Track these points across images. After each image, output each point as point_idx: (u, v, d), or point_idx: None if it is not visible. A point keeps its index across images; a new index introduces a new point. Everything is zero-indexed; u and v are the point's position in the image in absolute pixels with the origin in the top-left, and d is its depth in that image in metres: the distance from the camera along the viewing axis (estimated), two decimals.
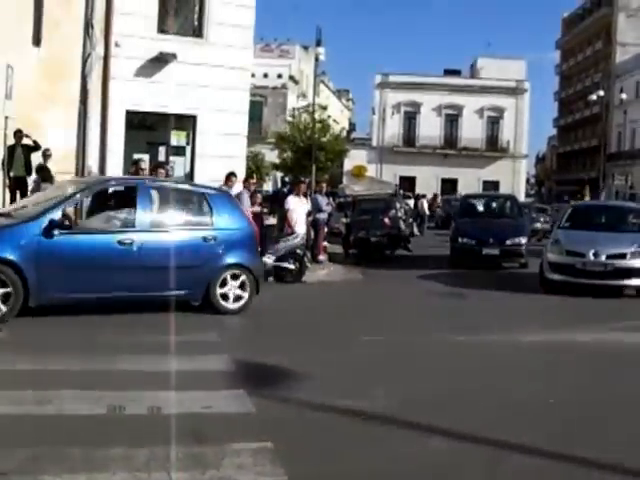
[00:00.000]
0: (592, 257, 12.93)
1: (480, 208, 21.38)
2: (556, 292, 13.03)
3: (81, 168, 13.24)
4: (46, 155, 14.58)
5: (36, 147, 14.65)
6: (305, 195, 15.73)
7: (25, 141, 14.69)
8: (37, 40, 15.76)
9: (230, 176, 14.22)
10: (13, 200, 14.74)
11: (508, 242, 17.58)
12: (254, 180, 17.03)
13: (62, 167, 14.55)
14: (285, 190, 26.90)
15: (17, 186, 14.64)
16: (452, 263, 17.84)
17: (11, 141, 14.34)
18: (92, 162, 14.61)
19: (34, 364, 6.47)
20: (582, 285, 12.85)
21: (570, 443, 5.13)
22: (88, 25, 13.31)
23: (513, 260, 17.84)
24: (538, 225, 30.00)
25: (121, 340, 7.83)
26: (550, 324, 10.25)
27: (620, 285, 13.03)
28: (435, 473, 4.59)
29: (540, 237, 27.58)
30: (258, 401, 5.66)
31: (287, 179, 41.34)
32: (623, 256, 12.98)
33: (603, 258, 12.91)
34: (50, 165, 14.59)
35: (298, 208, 14.22)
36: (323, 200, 17.75)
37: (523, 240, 17.78)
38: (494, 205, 21.76)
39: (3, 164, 13.74)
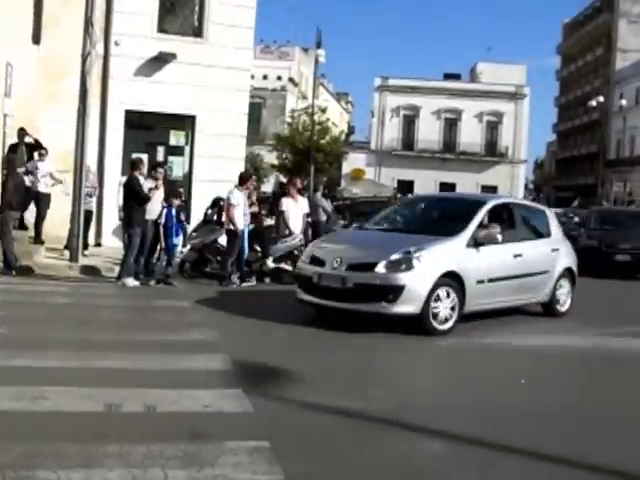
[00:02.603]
0: (332, 267, 9.11)
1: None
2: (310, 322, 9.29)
3: (79, 167, 13.17)
4: (41, 154, 14.55)
5: (36, 146, 14.63)
6: (301, 194, 15.41)
7: (27, 140, 14.68)
8: (37, 38, 15.77)
9: (250, 177, 14.15)
10: None
11: None
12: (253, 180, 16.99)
13: (60, 165, 14.54)
14: (277, 191, 26.82)
15: None
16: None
17: (10, 139, 14.32)
18: (90, 161, 14.56)
19: (31, 360, 6.44)
20: (322, 308, 9.37)
21: (564, 447, 5.11)
22: (88, 24, 13.25)
23: None
24: None
25: (119, 338, 7.80)
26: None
27: (358, 311, 8.92)
28: (431, 474, 4.57)
29: None
30: (256, 400, 5.63)
31: (284, 180, 41.38)
32: (370, 267, 8.84)
33: (343, 269, 9.03)
34: (46, 163, 14.52)
35: (292, 209, 13.98)
36: (326, 202, 17.53)
37: None
38: None
39: (4, 162, 13.72)
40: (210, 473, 4.18)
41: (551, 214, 11.88)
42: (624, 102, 54.72)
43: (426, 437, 5.18)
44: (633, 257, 18.08)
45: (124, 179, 13.16)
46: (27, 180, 14.25)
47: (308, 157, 35.35)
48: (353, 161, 55.09)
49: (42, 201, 14.42)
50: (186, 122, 17.51)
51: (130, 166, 12.68)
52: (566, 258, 11.31)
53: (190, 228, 14.18)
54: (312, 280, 9.31)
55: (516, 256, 10.14)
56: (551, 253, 10.99)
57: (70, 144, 13.49)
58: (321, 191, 18.74)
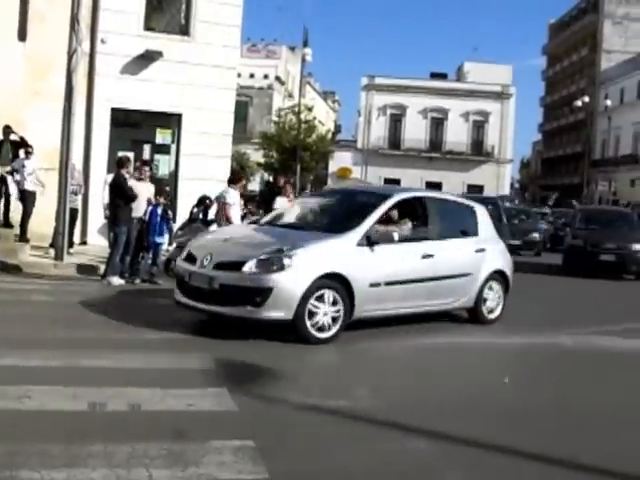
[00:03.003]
0: (202, 265, 8.27)
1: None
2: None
3: (65, 165, 13.11)
4: (28, 152, 14.48)
5: (22, 144, 14.55)
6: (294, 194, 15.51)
7: (13, 137, 14.60)
8: (22, 35, 15.66)
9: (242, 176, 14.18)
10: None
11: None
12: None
13: (46, 163, 14.46)
14: (264, 190, 26.74)
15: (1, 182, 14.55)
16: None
17: None
18: (76, 159, 14.49)
19: (16, 359, 6.41)
20: (196, 310, 8.47)
21: (552, 444, 5.15)
22: (74, 21, 13.17)
23: None
24: (536, 235, 25.42)
25: (103, 337, 7.78)
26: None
27: (224, 315, 8.12)
28: (417, 473, 4.59)
29: (539, 250, 24.76)
30: (240, 399, 5.64)
31: (270, 178, 41.39)
32: (239, 266, 7.94)
33: (211, 267, 8.17)
34: (32, 161, 14.46)
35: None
36: None
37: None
38: None
39: None
40: (194, 472, 4.19)
41: (482, 211, 10.68)
42: (609, 102, 55.08)
43: (412, 436, 5.20)
44: (618, 257, 17.97)
45: (110, 177, 13.11)
46: (14, 178, 14.22)
47: (294, 156, 35.36)
48: (339, 160, 55.14)
49: (28, 199, 14.35)
50: (172, 120, 17.45)
51: (117, 164, 12.63)
52: (496, 260, 10.31)
53: (176, 227, 14.16)
54: (184, 279, 8.43)
55: (426, 257, 9.12)
56: (475, 254, 9.94)
57: (55, 142, 13.43)
58: (309, 189, 18.78)
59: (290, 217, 10.06)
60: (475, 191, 52.62)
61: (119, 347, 7.27)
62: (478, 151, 58.27)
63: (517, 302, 12.83)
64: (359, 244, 8.48)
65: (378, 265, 8.56)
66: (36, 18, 15.62)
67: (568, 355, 8.60)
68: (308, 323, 7.92)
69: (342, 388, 6.36)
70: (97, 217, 15.21)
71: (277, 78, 62.57)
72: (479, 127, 58.73)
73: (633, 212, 22.65)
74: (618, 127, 57.20)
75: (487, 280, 10.04)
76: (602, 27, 66.69)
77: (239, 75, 22.55)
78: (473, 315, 10.10)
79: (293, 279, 7.85)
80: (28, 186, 14.35)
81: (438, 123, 58.71)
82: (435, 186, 53.69)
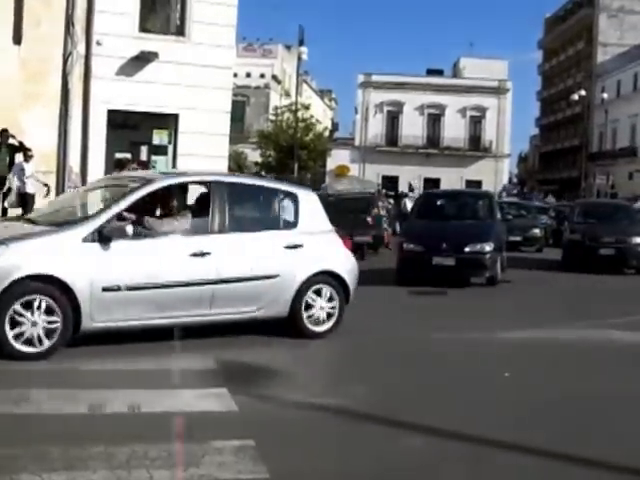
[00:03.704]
0: None
1: (443, 208, 16.61)
2: None
3: (62, 167, 13.12)
4: (27, 156, 14.50)
5: (21, 148, 14.56)
6: None
7: (11, 141, 14.61)
8: (18, 38, 15.64)
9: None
10: None
11: (467, 249, 13.68)
12: None
13: (43, 166, 14.46)
14: None
15: None
16: (400, 274, 14.21)
17: None
18: (73, 161, 14.50)
19: (13, 363, 6.40)
20: None
21: (552, 441, 5.12)
22: (69, 23, 13.21)
23: (474, 273, 14.05)
24: (536, 231, 24.33)
25: (102, 338, 7.76)
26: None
27: None
28: (417, 471, 4.58)
29: (540, 246, 23.86)
30: (241, 399, 5.63)
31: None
32: None
33: None
34: (31, 165, 14.49)
35: None
36: None
37: (487, 247, 13.73)
38: (460, 204, 16.93)
39: None
40: (195, 473, 4.18)
41: (307, 199, 8.62)
42: (606, 95, 55.03)
43: (412, 433, 5.18)
44: (617, 251, 17.34)
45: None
46: (16, 182, 14.26)
47: (292, 154, 35.36)
48: (337, 157, 55.06)
49: (29, 202, 14.41)
50: (169, 121, 17.45)
51: (117, 165, 12.62)
52: (324, 259, 8.36)
53: None
54: None
55: (198, 254, 7.42)
56: (286, 251, 8.02)
57: (52, 144, 13.45)
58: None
59: (52, 209, 8.91)
60: (473, 186, 52.64)
61: (117, 349, 7.24)
62: (476, 146, 58.24)
63: (517, 298, 12.82)
64: (86, 239, 6.97)
65: (117, 265, 7.06)
66: (31, 21, 15.59)
67: (569, 348, 8.58)
68: (11, 338, 6.49)
69: (342, 387, 6.34)
70: None
71: (274, 77, 62.52)
72: (476, 122, 58.69)
73: (631, 204, 22.28)
74: (615, 120, 57.19)
75: (309, 284, 8.10)
76: (598, 20, 66.62)
77: (235, 75, 22.54)
78: (291, 326, 8.12)
79: None
80: (29, 189, 14.40)
81: (435, 119, 58.67)
82: (433, 182, 53.78)
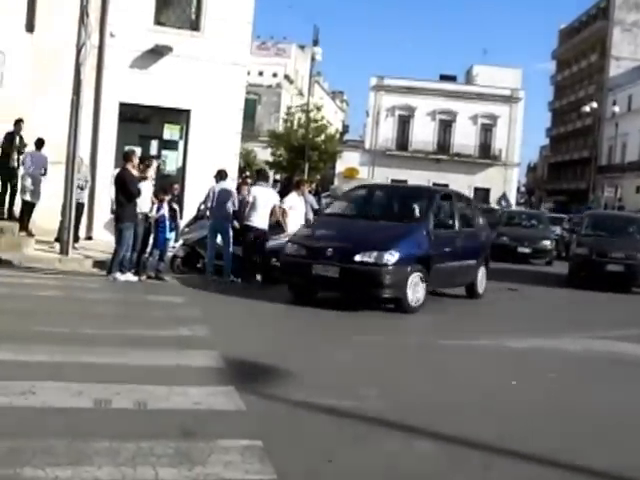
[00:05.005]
0: None
1: (369, 204, 12.98)
2: None
3: (72, 159, 13.00)
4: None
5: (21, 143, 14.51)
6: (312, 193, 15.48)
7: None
8: (30, 26, 15.57)
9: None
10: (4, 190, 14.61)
11: (357, 258, 10.34)
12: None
13: (53, 157, 14.36)
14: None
15: (8, 177, 14.53)
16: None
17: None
18: (83, 153, 14.39)
19: (19, 355, 6.31)
20: None
21: (559, 448, 5.06)
22: (83, 13, 13.06)
23: (366, 291, 10.61)
24: (546, 243, 22.82)
25: (109, 333, 7.69)
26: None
27: None
28: (423, 475, 4.51)
29: (550, 259, 22.64)
30: (248, 398, 5.54)
31: (277, 177, 41.33)
32: None
33: None
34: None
35: (298, 207, 13.80)
36: (314, 199, 17.52)
37: (387, 257, 10.34)
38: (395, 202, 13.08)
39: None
40: (201, 472, 4.10)
41: None
42: (617, 109, 54.96)
43: (419, 437, 5.12)
44: (627, 267, 16.13)
45: (117, 172, 13.00)
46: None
47: (302, 155, 35.29)
48: (347, 160, 55.06)
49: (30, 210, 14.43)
50: (181, 116, 17.38)
51: (123, 158, 12.52)
52: None
53: (183, 223, 14.05)
54: None
55: None
56: None
57: (63, 135, 13.32)
58: (314, 189, 18.72)
59: None
60: (482, 194, 52.53)
61: (124, 343, 7.16)
62: (485, 154, 58.14)
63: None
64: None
65: None
66: (44, 9, 15.52)
67: (574, 359, 8.50)
68: None
69: (351, 387, 6.27)
70: (103, 212, 15.13)
71: (286, 77, 62.50)
72: (487, 130, 58.59)
73: None
74: (625, 134, 57.03)
75: None
76: (612, 34, 66.58)
77: (248, 73, 22.45)
78: None
79: None
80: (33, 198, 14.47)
81: (446, 125, 58.59)
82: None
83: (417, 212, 11.85)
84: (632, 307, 14.65)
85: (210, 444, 4.51)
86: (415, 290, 10.57)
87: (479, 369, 7.63)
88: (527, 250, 21.98)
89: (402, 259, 10.37)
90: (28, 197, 14.27)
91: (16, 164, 14.44)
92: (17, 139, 14.41)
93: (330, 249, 10.51)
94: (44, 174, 14.32)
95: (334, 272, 10.31)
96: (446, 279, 11.89)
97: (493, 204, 44.14)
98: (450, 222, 12.25)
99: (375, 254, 10.29)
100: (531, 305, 13.56)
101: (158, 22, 16.97)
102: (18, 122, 14.34)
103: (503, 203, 40.46)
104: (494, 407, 6.09)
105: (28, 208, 14.30)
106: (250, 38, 18.57)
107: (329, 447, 4.75)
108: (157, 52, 16.65)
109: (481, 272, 13.00)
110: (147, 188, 12.11)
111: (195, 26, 17.24)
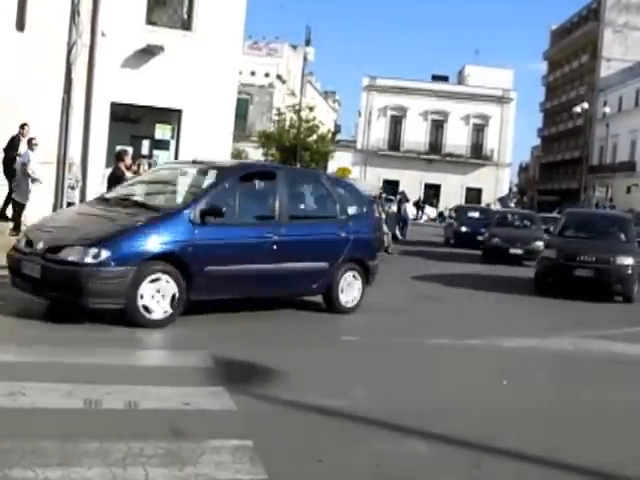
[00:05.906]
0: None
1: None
2: None
3: (62, 158, 12.95)
4: (32, 144, 14.42)
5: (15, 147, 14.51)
6: None
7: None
8: (21, 25, 15.50)
9: None
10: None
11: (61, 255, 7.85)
12: None
13: (43, 156, 14.32)
14: None
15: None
16: None
17: None
18: (74, 153, 14.33)
19: (9, 355, 6.30)
20: None
21: (551, 447, 5.08)
22: (74, 12, 13.00)
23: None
24: (539, 244, 19.98)
25: (98, 333, 7.64)
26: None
27: None
28: (415, 475, 4.53)
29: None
30: (239, 398, 5.54)
31: None
32: None
33: None
34: (36, 153, 14.39)
35: None
36: None
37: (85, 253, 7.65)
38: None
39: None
40: (192, 472, 4.10)
41: None
42: (607, 109, 55.26)
43: (411, 437, 5.13)
44: (597, 272, 14.02)
45: (108, 172, 12.98)
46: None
47: (294, 155, 35.29)
48: (339, 160, 55.09)
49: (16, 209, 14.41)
50: (172, 116, 17.35)
51: (115, 157, 12.50)
52: None
53: None
54: None
55: None
56: None
57: (53, 135, 13.26)
58: None
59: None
60: (474, 194, 52.67)
61: (115, 344, 7.14)
62: (477, 154, 58.33)
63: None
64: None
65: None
66: (35, 7, 15.46)
67: (566, 358, 8.52)
68: None
69: (342, 387, 6.27)
70: None
71: (278, 76, 62.48)
72: (479, 130, 58.79)
73: (627, 216, 18.63)
74: (616, 134, 57.31)
75: None
76: (602, 35, 66.88)
77: (240, 73, 22.45)
78: None
79: None
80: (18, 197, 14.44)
81: (438, 125, 58.75)
82: (434, 188, 53.76)
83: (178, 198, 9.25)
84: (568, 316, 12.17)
85: (201, 444, 4.51)
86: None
87: (471, 369, 7.64)
88: (519, 251, 21.73)
89: (112, 258, 7.67)
90: (15, 196, 14.28)
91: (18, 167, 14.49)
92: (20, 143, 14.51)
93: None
94: (25, 173, 14.31)
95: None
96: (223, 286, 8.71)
97: (493, 204, 44.11)
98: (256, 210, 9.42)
99: (73, 249, 7.71)
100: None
101: (150, 22, 16.94)
102: (23, 126, 14.41)
103: (510, 204, 40.12)
104: (486, 407, 6.07)
105: (16, 207, 14.28)
106: (242, 38, 18.56)
107: (319, 447, 4.76)
108: (149, 52, 16.62)
109: (345, 280, 9.99)
110: None
111: (187, 26, 17.23)
